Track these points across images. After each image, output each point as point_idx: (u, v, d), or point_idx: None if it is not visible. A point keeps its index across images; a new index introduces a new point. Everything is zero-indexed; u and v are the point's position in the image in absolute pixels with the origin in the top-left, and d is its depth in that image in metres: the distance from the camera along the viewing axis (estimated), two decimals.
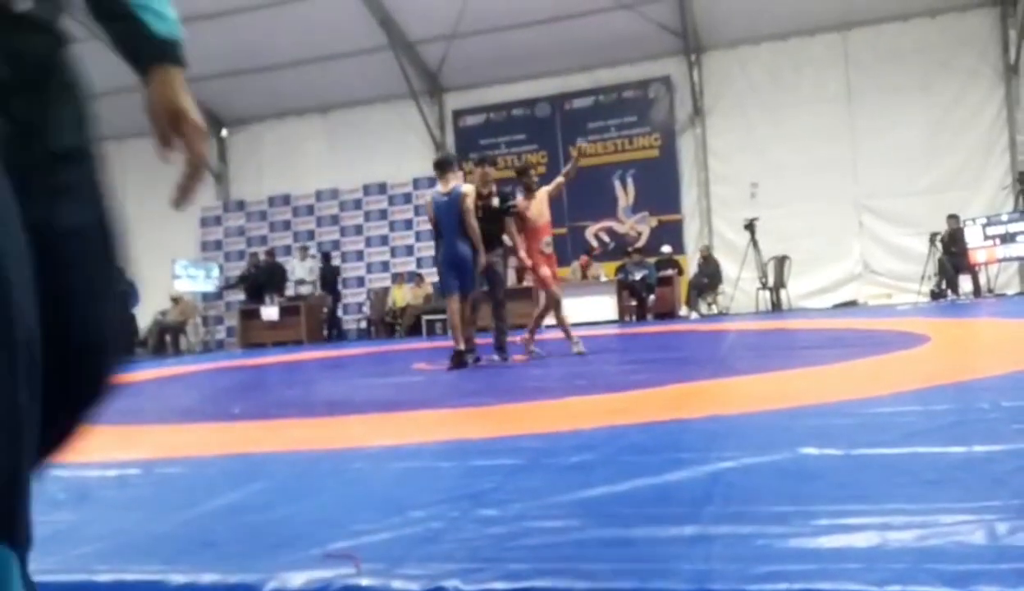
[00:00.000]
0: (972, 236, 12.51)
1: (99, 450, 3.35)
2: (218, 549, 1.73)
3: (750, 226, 13.16)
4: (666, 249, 14.24)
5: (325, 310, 15.34)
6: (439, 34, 14.25)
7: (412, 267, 15.79)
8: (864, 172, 13.83)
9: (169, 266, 15.07)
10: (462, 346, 6.37)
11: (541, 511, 1.83)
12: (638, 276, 13.60)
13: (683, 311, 13.90)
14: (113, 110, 16.76)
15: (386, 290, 15.56)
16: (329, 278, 15.28)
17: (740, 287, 13.54)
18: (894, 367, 4.43)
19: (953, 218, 12.72)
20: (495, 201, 6.85)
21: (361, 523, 1.81)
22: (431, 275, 15.29)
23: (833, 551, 1.44)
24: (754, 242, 13.17)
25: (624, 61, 14.89)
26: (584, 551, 1.53)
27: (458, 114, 15.95)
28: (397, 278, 15.53)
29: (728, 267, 13.86)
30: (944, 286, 12.77)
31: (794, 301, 13.54)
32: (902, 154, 13.50)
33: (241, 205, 16.95)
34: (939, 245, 12.75)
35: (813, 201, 13.82)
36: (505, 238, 7.02)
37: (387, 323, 15.10)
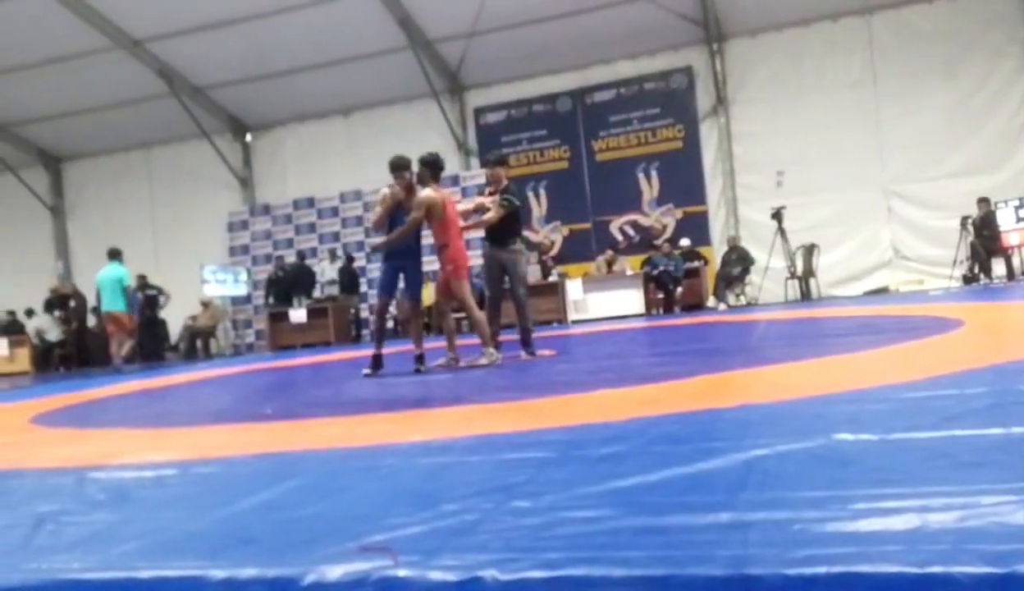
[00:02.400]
0: (1004, 219, 12.29)
1: (137, 452, 3.41)
2: (256, 545, 1.75)
3: (777, 215, 13.02)
4: (684, 242, 14.16)
5: (353, 311, 15.42)
6: (458, 32, 14.26)
7: (437, 266, 15.79)
8: (891, 157, 13.65)
9: (198, 271, 15.22)
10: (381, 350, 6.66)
11: (574, 502, 1.83)
12: (661, 267, 13.54)
13: (711, 302, 13.82)
14: (140, 119, 17.09)
15: None
16: (345, 280, 15.34)
17: (768, 277, 13.41)
18: (928, 352, 4.37)
19: (984, 201, 12.52)
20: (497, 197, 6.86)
21: (395, 517, 1.82)
22: None
23: (872, 534, 1.43)
24: (781, 231, 13.04)
25: (645, 53, 14.81)
26: (619, 539, 1.53)
27: (479, 111, 15.95)
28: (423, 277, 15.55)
29: (756, 257, 13.75)
30: (977, 270, 12.59)
31: (824, 289, 13.40)
32: (929, 138, 13.32)
33: (267, 209, 17.09)
34: (970, 229, 12.56)
35: (840, 188, 13.67)
36: (528, 234, 7.00)
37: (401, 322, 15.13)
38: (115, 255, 11.99)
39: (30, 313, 16.85)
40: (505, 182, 6.92)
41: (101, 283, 11.75)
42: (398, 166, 6.54)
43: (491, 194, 6.89)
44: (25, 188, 17.84)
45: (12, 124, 17.17)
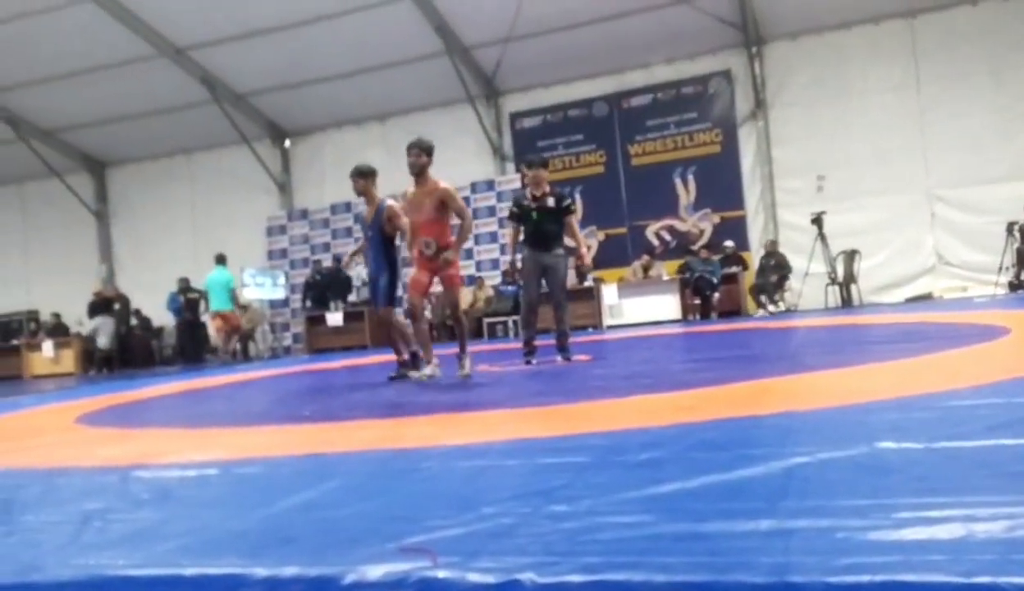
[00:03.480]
0: None
1: (179, 452, 3.46)
2: (296, 544, 1.77)
3: (817, 220, 12.88)
4: (728, 244, 14.01)
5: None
6: (494, 38, 14.31)
7: (472, 270, 15.87)
8: (935, 161, 13.42)
9: (238, 275, 15.43)
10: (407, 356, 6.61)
11: (612, 507, 1.82)
12: (698, 272, 13.43)
13: (751, 309, 13.69)
14: (182, 125, 17.40)
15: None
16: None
17: (808, 283, 13.26)
18: (973, 360, 4.29)
19: None
20: (550, 201, 6.82)
21: (434, 519, 1.83)
22: (491, 278, 15.39)
23: (916, 543, 1.40)
24: (822, 236, 12.88)
25: (682, 57, 14.75)
26: (658, 545, 1.52)
27: (515, 117, 16.00)
28: None
29: (795, 262, 13.61)
30: (1023, 277, 12.32)
31: (865, 296, 13.21)
32: (974, 141, 13.08)
33: (304, 213, 17.29)
34: (1017, 234, 12.30)
35: (883, 192, 13.48)
36: (567, 239, 6.97)
37: (448, 326, 15.20)
38: (221, 260, 13.51)
39: (103, 309, 16.97)
40: (547, 187, 6.93)
41: (210, 285, 13.27)
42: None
43: (535, 198, 6.87)
44: (71, 193, 18.25)
45: (59, 130, 17.58)
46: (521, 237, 7.00)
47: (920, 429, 2.41)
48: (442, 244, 6.02)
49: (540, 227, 6.81)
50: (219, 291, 13.27)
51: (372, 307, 6.88)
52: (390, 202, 6.62)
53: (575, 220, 7.04)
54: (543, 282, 6.88)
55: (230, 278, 13.50)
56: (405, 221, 6.35)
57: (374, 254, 6.64)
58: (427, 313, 12.43)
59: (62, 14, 13.55)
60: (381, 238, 6.58)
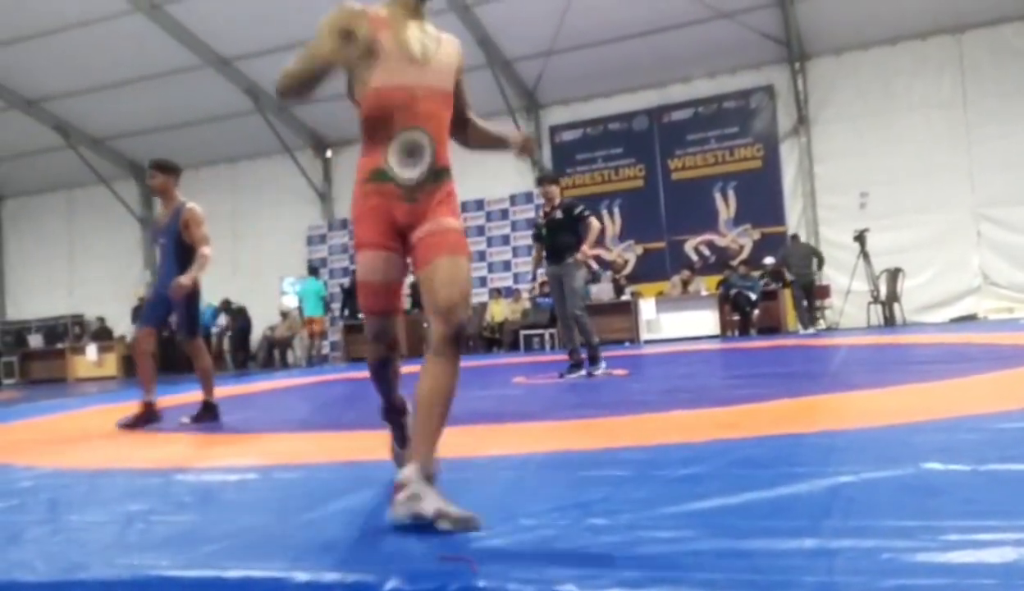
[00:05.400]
0: None
1: (220, 456, 3.51)
2: (336, 550, 1.78)
3: (860, 237, 12.69)
4: (768, 260, 13.84)
5: (426, 325, 15.60)
6: (536, 51, 14.35)
7: (509, 282, 15.89)
8: (982, 179, 13.16)
9: (278, 283, 15.64)
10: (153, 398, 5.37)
11: (652, 521, 1.81)
12: (737, 288, 13.27)
13: (792, 326, 13.51)
14: (226, 135, 17.60)
15: (484, 305, 15.70)
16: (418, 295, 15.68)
17: (850, 301, 13.06)
18: (1021, 382, 4.19)
19: None
20: (558, 214, 6.82)
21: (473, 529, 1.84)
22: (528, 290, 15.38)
23: (965, 566, 1.37)
24: (864, 254, 12.69)
25: (724, 71, 14.65)
26: (699, 561, 1.51)
27: (555, 130, 15.99)
28: (495, 293, 15.66)
29: (838, 280, 13.42)
30: None
31: (908, 316, 12.97)
32: (1023, 159, 12.81)
33: (344, 224, 17.43)
34: None
35: (927, 210, 13.24)
36: (601, 253, 6.93)
37: (485, 338, 15.23)
38: (314, 272, 15.24)
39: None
40: (559, 200, 6.94)
41: (303, 294, 14.76)
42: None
43: (546, 214, 6.92)
44: (117, 200, 18.62)
45: (107, 138, 17.97)
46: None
47: (968, 451, 2.36)
48: (441, 162, 2.50)
49: (552, 241, 6.84)
50: (312, 299, 14.55)
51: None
52: (191, 205, 5.32)
53: (592, 227, 6.78)
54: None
55: (321, 287, 14.83)
56: (207, 232, 5.30)
57: (167, 267, 5.39)
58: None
59: (112, 25, 13.87)
60: (176, 247, 5.33)
